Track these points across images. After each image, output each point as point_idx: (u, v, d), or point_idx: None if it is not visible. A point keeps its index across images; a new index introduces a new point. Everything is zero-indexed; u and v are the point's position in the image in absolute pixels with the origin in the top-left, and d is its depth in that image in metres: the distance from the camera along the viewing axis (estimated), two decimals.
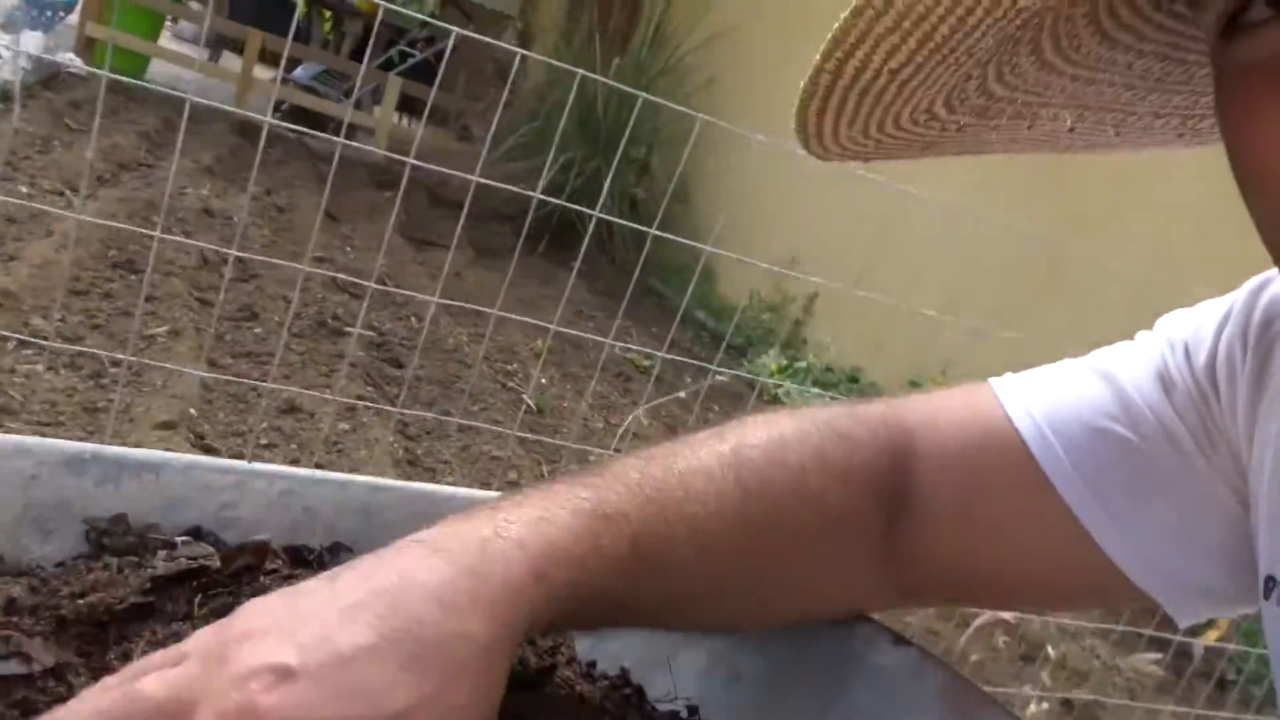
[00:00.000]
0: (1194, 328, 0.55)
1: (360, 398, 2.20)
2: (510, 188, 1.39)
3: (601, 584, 0.45)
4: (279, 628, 0.37)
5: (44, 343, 1.69)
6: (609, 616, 0.49)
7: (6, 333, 1.63)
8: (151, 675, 0.37)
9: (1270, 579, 0.49)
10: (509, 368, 2.83)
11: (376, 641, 0.36)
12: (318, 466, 1.91)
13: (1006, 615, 2.13)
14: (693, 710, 0.58)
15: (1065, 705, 2.29)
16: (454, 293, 3.65)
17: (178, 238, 1.22)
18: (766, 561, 0.53)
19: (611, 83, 1.34)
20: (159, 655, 0.39)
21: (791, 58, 4.73)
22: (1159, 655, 2.38)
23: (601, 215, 1.35)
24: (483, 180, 1.22)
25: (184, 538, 0.57)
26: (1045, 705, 2.28)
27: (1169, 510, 0.53)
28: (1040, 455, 0.54)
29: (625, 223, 1.59)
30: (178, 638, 0.45)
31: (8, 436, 0.57)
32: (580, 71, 2.28)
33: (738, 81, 5.45)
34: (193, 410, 1.91)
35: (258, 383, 1.84)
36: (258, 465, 0.62)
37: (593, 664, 0.60)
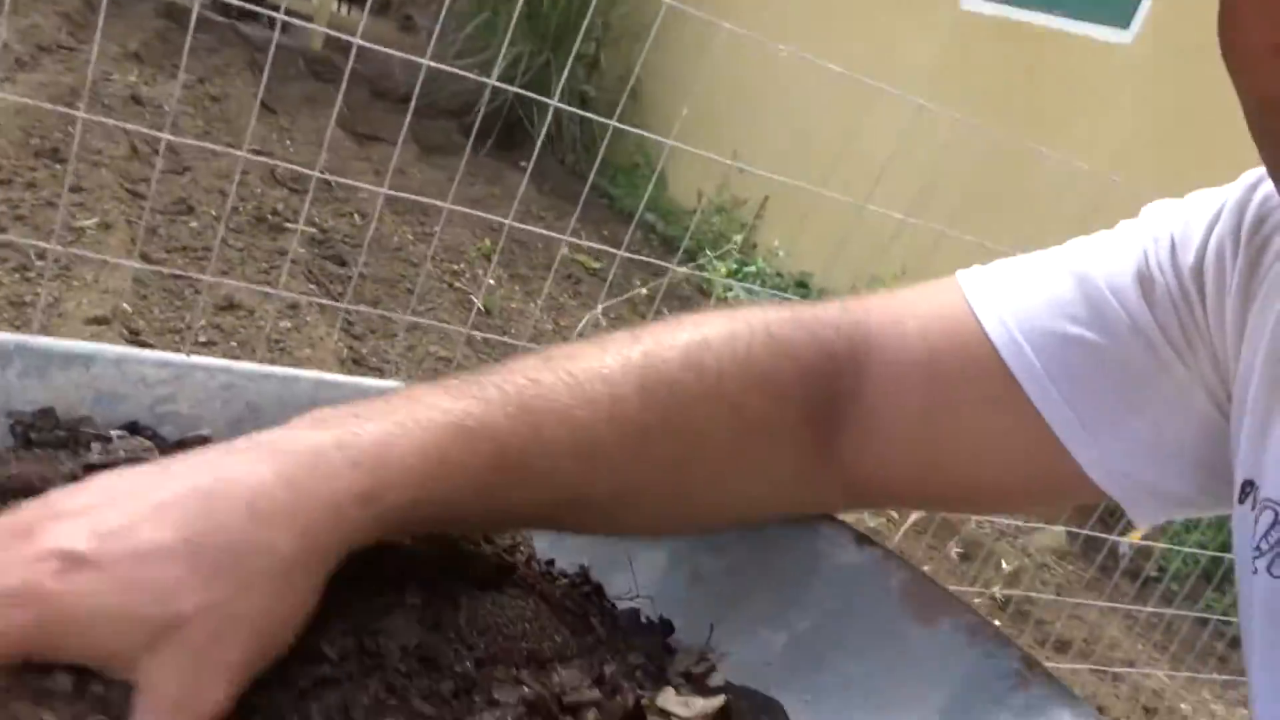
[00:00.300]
0: (1183, 222, 0.52)
1: (301, 294, 2.14)
2: (460, 71, 1.33)
3: (451, 498, 0.43)
4: (88, 513, 0.36)
5: None
6: (473, 524, 0.48)
7: None
8: None
9: (1248, 483, 0.48)
10: (456, 267, 2.77)
11: (175, 543, 0.36)
12: None
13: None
14: (664, 619, 0.57)
15: (997, 603, 2.38)
16: (399, 190, 3.55)
17: (105, 119, 1.14)
18: (670, 472, 0.51)
19: None
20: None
21: None
22: (1063, 529, 2.47)
23: (560, 105, 1.30)
24: (433, 64, 1.15)
25: (119, 432, 0.54)
26: (978, 601, 2.36)
27: (1141, 418, 0.52)
28: (1011, 361, 0.52)
29: (583, 113, 1.53)
30: None
31: None
32: None
33: None
34: (126, 305, 1.84)
35: (196, 276, 1.77)
36: (197, 358, 0.58)
37: (551, 562, 0.59)
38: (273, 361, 1.88)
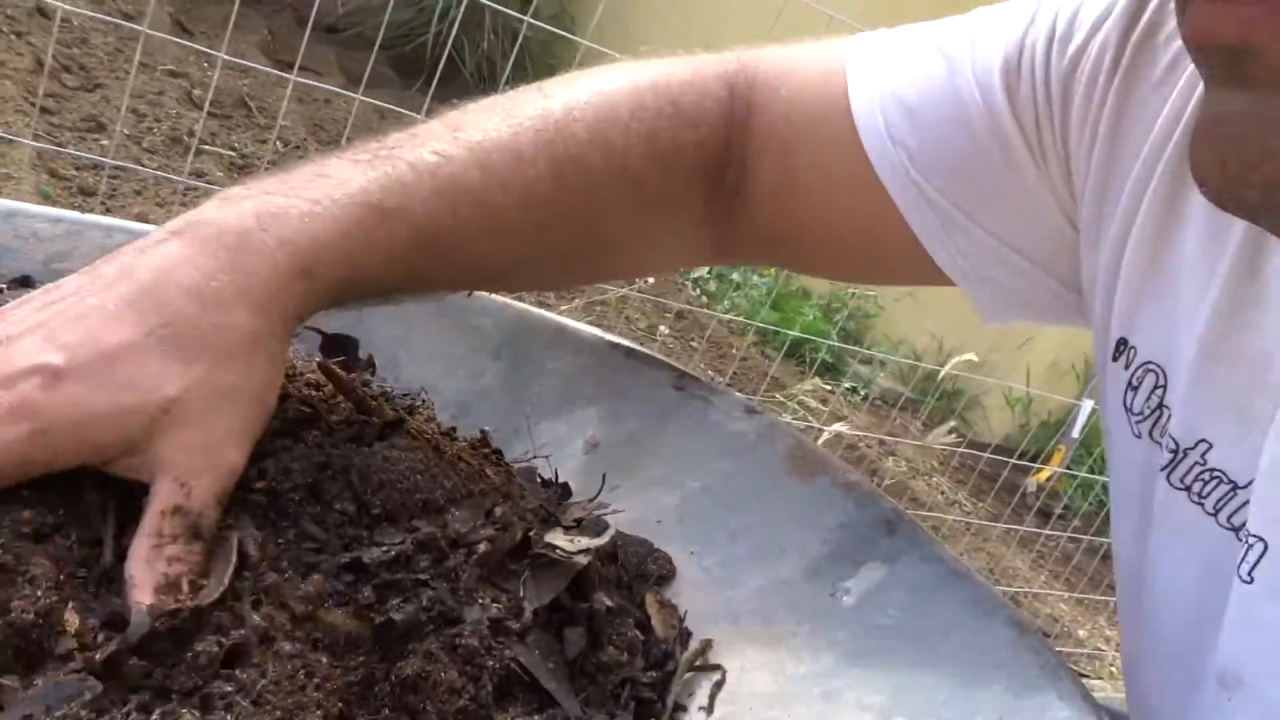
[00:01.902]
0: (1073, 8, 0.50)
1: None
2: None
3: (377, 275, 0.45)
4: (43, 328, 0.37)
5: None
6: (395, 296, 0.50)
7: None
8: None
9: (1122, 340, 0.49)
10: None
11: (140, 338, 0.37)
12: None
13: (842, 428, 2.24)
14: (561, 480, 0.59)
15: None
16: (323, 118, 3.47)
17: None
18: (572, 244, 0.53)
19: None
20: None
21: None
22: (951, 427, 2.57)
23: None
24: None
25: (9, 284, 0.53)
26: None
27: (988, 211, 0.52)
28: (867, 138, 0.52)
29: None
30: None
31: None
32: None
33: None
34: None
35: (103, 197, 1.72)
36: (92, 217, 0.58)
37: (452, 429, 0.60)
38: None
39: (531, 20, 2.18)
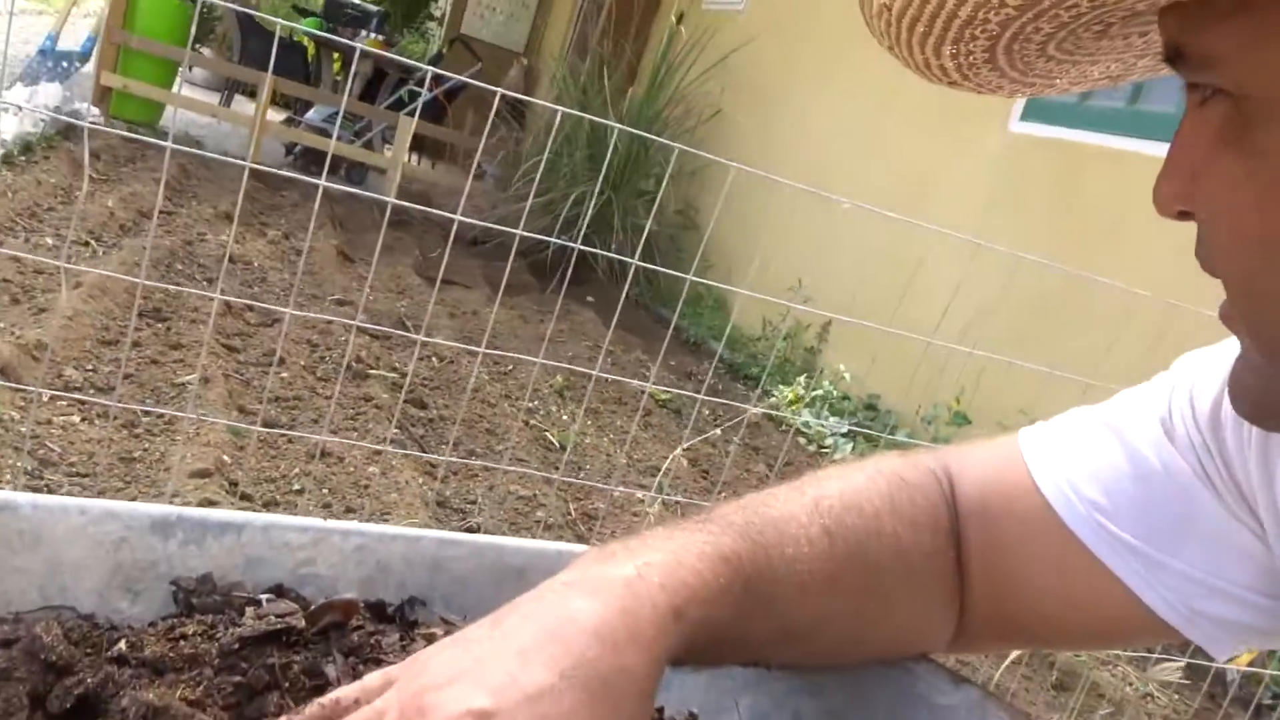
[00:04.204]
0: (1204, 372, 0.56)
1: (386, 440, 2.22)
2: (521, 232, 1.42)
3: (724, 620, 0.49)
4: (466, 675, 0.41)
5: (84, 398, 1.72)
6: (726, 651, 0.53)
7: (44, 389, 1.66)
8: None
9: None
10: (530, 404, 2.85)
11: (555, 680, 0.41)
12: (349, 510, 1.94)
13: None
14: None
15: None
16: (472, 329, 3.68)
17: (189, 287, 1.24)
18: (855, 597, 0.56)
19: (611, 123, 1.35)
20: (348, 695, 0.44)
21: (794, 89, 4.75)
22: (1179, 661, 2.37)
23: (639, 263, 1.37)
24: (490, 225, 1.25)
25: (267, 595, 0.59)
26: None
27: (1189, 552, 0.55)
28: (1068, 517, 0.57)
29: (660, 268, 1.60)
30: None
31: (97, 501, 0.59)
32: (586, 117, 2.31)
33: (742, 112, 5.51)
34: (225, 457, 1.94)
35: (303, 434, 1.86)
36: (333, 522, 0.64)
37: (660, 710, 0.62)
38: (362, 507, 1.95)
39: (657, 218, 2.30)
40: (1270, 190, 0.38)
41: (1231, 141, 0.39)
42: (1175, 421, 0.56)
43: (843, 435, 3.32)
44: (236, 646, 0.55)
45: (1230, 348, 0.57)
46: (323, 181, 1.07)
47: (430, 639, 0.57)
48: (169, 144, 1.07)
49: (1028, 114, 3.52)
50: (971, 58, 0.43)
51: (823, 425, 3.23)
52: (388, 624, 0.59)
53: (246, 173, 1.08)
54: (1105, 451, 0.58)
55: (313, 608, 0.58)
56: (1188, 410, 0.56)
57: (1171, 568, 0.56)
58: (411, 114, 6.26)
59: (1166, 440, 0.56)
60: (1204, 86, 0.40)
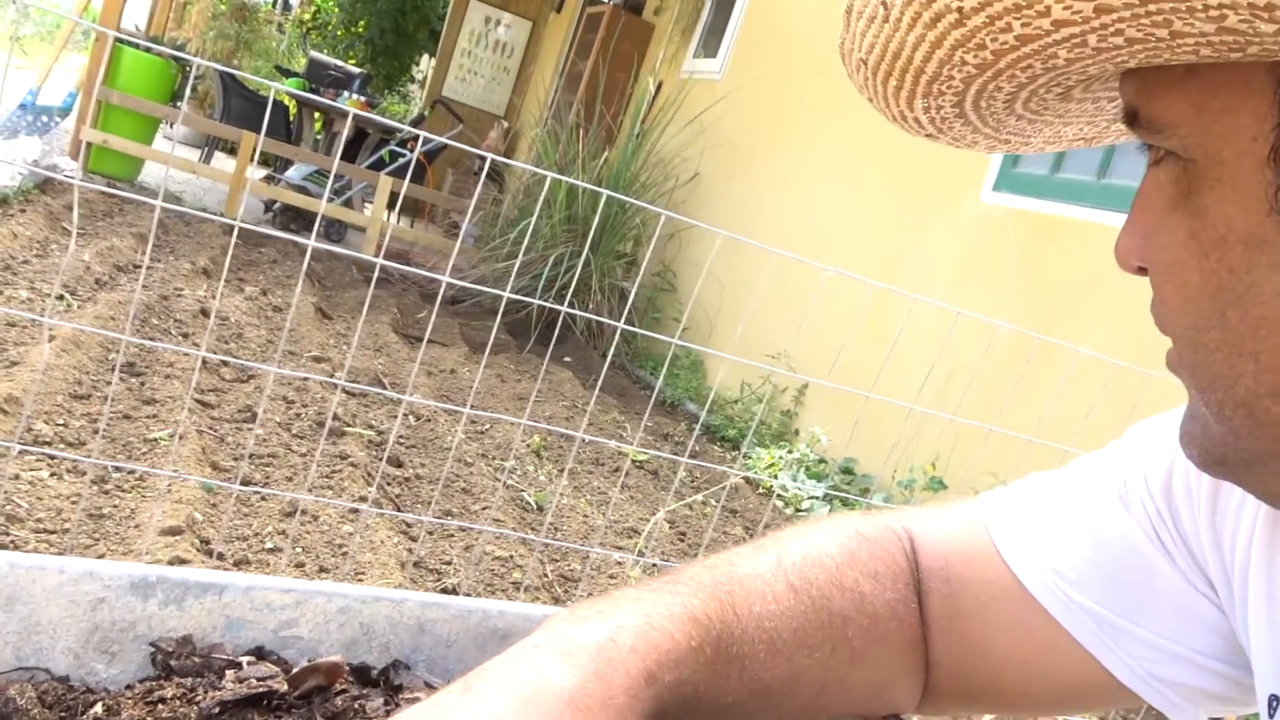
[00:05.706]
0: (1156, 440, 0.58)
1: (362, 498, 2.20)
2: (498, 292, 1.42)
3: (696, 681, 0.49)
4: None
5: (56, 453, 1.69)
6: (699, 713, 0.53)
7: (11, 442, 1.64)
8: None
9: (1274, 697, 0.51)
10: (506, 464, 2.83)
11: None
12: (323, 570, 1.90)
13: None
14: None
15: None
16: (449, 388, 3.67)
17: (163, 344, 1.24)
18: (823, 650, 0.56)
19: (586, 185, 1.37)
20: None
21: (771, 155, 4.84)
22: None
23: (626, 326, 1.38)
24: (468, 285, 1.25)
25: (248, 658, 0.58)
26: None
27: (1149, 619, 0.56)
28: (1029, 582, 0.58)
29: (646, 332, 1.61)
30: None
31: (76, 560, 0.58)
32: (563, 179, 2.35)
33: (721, 177, 5.60)
34: (197, 515, 1.90)
35: (279, 493, 1.83)
36: (316, 584, 0.63)
37: None
38: (336, 566, 1.92)
39: (637, 281, 2.32)
40: (1211, 249, 0.40)
41: (1178, 201, 0.42)
42: (1130, 490, 0.58)
43: (819, 499, 3.31)
44: (216, 711, 0.54)
45: (1174, 419, 0.59)
46: (311, 242, 1.08)
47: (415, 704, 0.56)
48: (158, 201, 1.08)
49: (1000, 185, 3.59)
50: (942, 111, 0.45)
51: (800, 488, 3.23)
52: (372, 688, 0.58)
53: (235, 231, 1.08)
54: (1065, 519, 0.59)
55: (295, 670, 0.57)
56: (1140, 480, 0.57)
57: (1132, 634, 0.57)
58: (393, 174, 6.31)
59: (1124, 509, 0.57)
60: (1157, 148, 0.43)
